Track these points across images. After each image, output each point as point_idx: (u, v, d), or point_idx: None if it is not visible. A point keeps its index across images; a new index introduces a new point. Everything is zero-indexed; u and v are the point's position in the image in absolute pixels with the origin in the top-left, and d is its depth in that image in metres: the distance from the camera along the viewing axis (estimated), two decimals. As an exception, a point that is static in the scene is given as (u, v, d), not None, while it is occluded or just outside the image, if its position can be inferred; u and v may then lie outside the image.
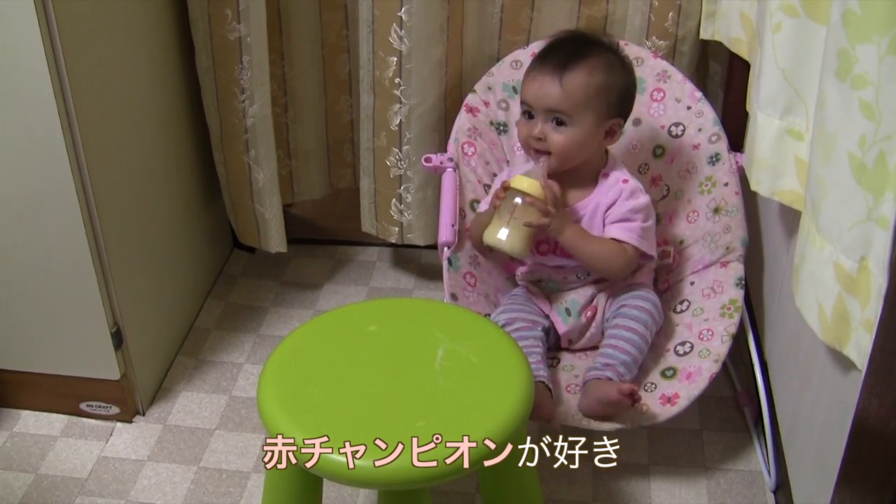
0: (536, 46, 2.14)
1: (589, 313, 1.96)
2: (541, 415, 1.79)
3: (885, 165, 1.19)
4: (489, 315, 1.95)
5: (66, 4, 1.68)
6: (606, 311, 1.96)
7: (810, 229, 1.38)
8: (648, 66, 2.12)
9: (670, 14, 2.13)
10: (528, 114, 1.88)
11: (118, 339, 1.98)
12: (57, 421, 2.10)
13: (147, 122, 2.07)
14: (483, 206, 2.01)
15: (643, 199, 1.90)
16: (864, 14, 1.19)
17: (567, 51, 1.86)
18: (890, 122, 1.17)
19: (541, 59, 1.88)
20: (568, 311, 1.96)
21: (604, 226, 1.91)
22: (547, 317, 1.96)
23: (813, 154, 1.39)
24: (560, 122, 1.84)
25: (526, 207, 1.81)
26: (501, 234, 1.82)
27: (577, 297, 1.97)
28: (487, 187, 2.08)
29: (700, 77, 2.27)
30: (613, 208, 1.90)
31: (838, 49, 1.25)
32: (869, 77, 1.19)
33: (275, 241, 2.37)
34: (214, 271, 2.53)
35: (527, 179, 1.81)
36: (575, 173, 1.90)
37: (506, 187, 1.84)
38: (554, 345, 1.99)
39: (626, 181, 1.91)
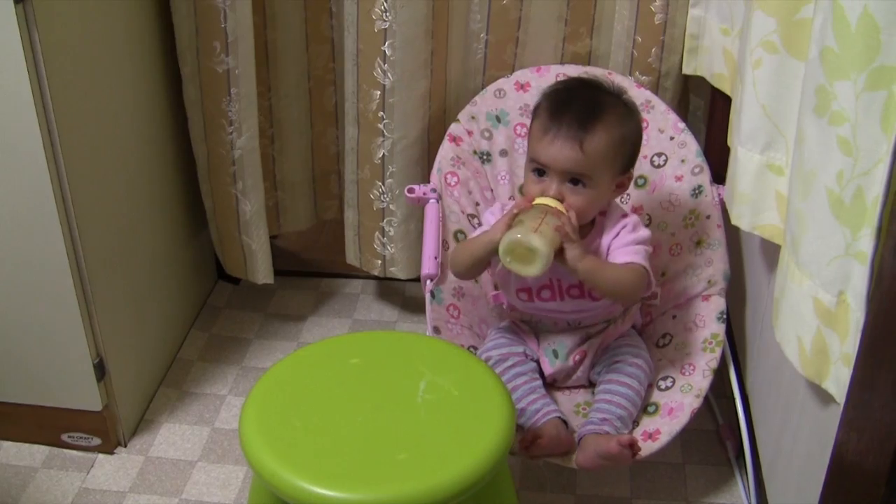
0: (521, 76, 2.17)
1: (577, 357, 1.94)
2: (563, 450, 1.79)
3: (862, 201, 1.20)
4: (473, 347, 1.95)
5: (52, 34, 1.69)
6: (595, 360, 1.94)
7: (790, 264, 1.39)
8: (632, 96, 2.13)
9: (653, 50, 2.15)
10: (539, 171, 1.81)
11: (101, 370, 1.98)
12: (38, 452, 2.09)
13: (133, 153, 2.08)
14: (476, 233, 1.95)
15: (644, 232, 1.88)
16: (842, 51, 1.20)
17: (583, 109, 1.80)
18: (867, 159, 1.18)
19: (555, 119, 1.79)
20: (556, 353, 1.94)
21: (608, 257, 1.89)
22: (535, 354, 1.96)
23: (792, 189, 1.40)
24: (576, 182, 1.79)
25: (554, 218, 1.74)
26: (531, 236, 1.68)
27: (566, 339, 1.94)
28: (471, 217, 2.09)
29: (683, 112, 2.29)
30: (617, 240, 1.87)
31: (816, 86, 1.27)
32: (846, 114, 1.21)
33: (262, 272, 2.38)
34: (198, 303, 2.53)
35: (553, 200, 1.77)
36: None
37: (533, 203, 1.78)
38: (539, 381, 1.99)
39: (625, 216, 1.90)
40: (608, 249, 1.87)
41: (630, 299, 1.92)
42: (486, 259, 1.86)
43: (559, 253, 1.74)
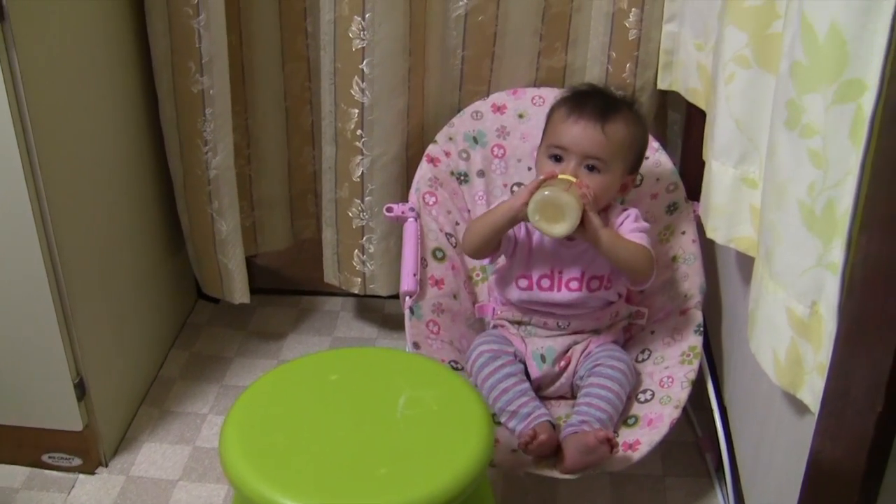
0: (497, 98, 2.19)
1: (563, 363, 1.97)
2: (553, 452, 1.82)
3: (833, 212, 1.22)
4: (454, 362, 1.95)
5: (30, 54, 1.70)
6: (579, 366, 1.96)
7: (764, 275, 1.41)
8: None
9: (628, 65, 2.17)
10: (556, 157, 1.89)
11: (81, 389, 1.98)
12: (19, 473, 2.08)
13: (111, 172, 2.08)
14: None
15: (645, 223, 1.95)
16: (811, 65, 1.22)
17: (604, 101, 1.91)
18: (837, 170, 1.20)
19: (577, 106, 1.90)
20: (543, 358, 1.96)
21: None
22: (522, 357, 1.97)
23: (765, 201, 1.42)
24: (593, 168, 1.87)
25: (578, 192, 1.81)
26: (563, 194, 1.77)
27: (554, 344, 1.97)
28: (449, 236, 2.10)
29: (659, 126, 2.31)
30: (622, 227, 1.94)
31: (787, 99, 1.28)
32: (816, 126, 1.22)
33: (238, 291, 2.38)
34: (179, 321, 2.53)
35: (571, 177, 1.85)
36: None
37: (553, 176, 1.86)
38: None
39: (626, 209, 1.97)
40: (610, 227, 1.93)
41: (640, 276, 1.93)
42: (507, 228, 1.91)
43: (581, 223, 1.80)
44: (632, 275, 1.93)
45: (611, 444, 1.76)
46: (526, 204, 1.80)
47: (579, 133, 1.87)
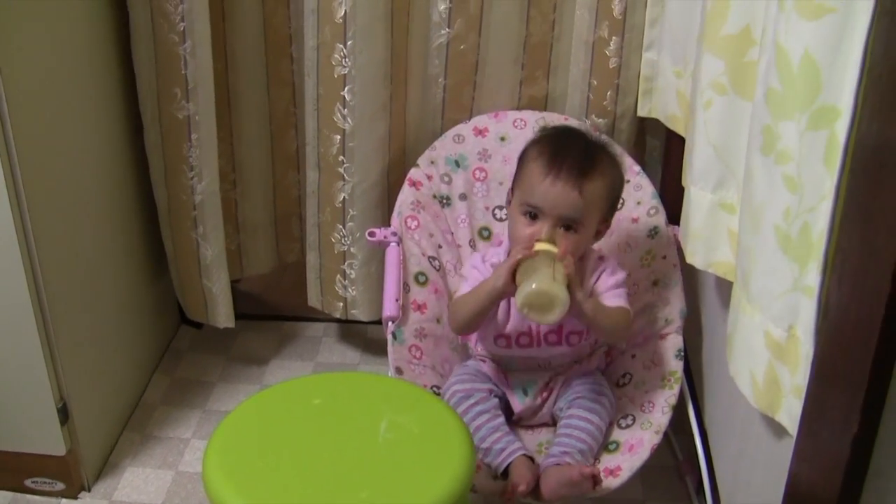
0: (479, 121, 2.20)
1: (545, 394, 1.97)
2: (533, 487, 1.79)
3: (808, 236, 1.24)
4: (436, 387, 1.96)
5: (15, 81, 1.71)
6: (559, 396, 1.97)
7: (741, 299, 1.42)
8: (591, 140, 2.18)
9: (608, 93, 2.19)
10: (531, 214, 1.83)
11: (64, 414, 1.98)
12: (1, 498, 2.08)
13: (95, 198, 2.09)
14: (465, 288, 1.93)
15: (622, 274, 1.93)
16: (785, 92, 1.24)
17: (581, 154, 1.84)
18: (812, 195, 1.22)
19: (555, 164, 1.82)
20: (525, 392, 1.97)
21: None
22: (501, 391, 1.98)
23: (742, 226, 1.44)
24: (568, 227, 1.82)
25: (560, 265, 1.75)
26: (553, 286, 1.69)
27: (535, 378, 1.97)
28: (432, 259, 2.11)
29: (639, 153, 2.33)
30: (600, 283, 1.91)
31: (762, 125, 1.30)
32: (791, 152, 1.24)
33: (222, 316, 2.38)
34: (161, 346, 2.54)
35: (550, 245, 1.78)
36: None
37: (535, 250, 1.77)
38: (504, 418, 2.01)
39: (601, 258, 1.94)
40: (590, 293, 1.90)
41: (619, 339, 1.96)
42: (492, 308, 1.87)
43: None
44: (606, 338, 1.94)
45: (595, 480, 1.76)
46: (508, 282, 1.76)
47: (556, 196, 1.80)
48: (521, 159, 1.91)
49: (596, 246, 2.10)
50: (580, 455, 1.83)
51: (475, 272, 1.93)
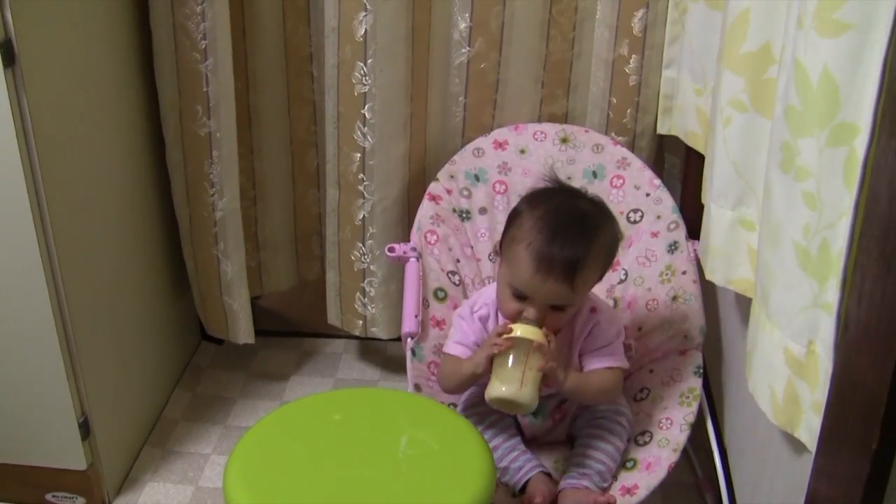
0: (498, 134, 2.21)
1: (558, 416, 1.96)
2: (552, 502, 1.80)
3: (828, 253, 1.24)
4: (454, 404, 1.97)
5: (40, 98, 1.73)
6: (575, 415, 1.95)
7: (760, 315, 1.42)
8: (608, 153, 2.18)
9: (628, 110, 2.20)
10: (519, 296, 1.78)
11: (86, 429, 1.99)
12: (23, 512, 2.10)
13: (118, 214, 2.10)
14: (455, 350, 1.91)
15: (617, 326, 1.90)
16: (805, 109, 1.24)
17: (574, 246, 1.74)
18: (831, 212, 1.22)
19: (545, 260, 1.73)
20: (535, 415, 1.95)
21: (579, 356, 1.89)
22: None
23: (761, 243, 1.44)
24: (559, 308, 1.80)
25: (535, 356, 1.73)
26: (517, 392, 1.71)
27: (546, 402, 1.94)
28: (451, 275, 2.11)
29: (658, 171, 2.32)
30: (590, 339, 1.88)
31: (782, 142, 1.31)
32: (810, 169, 1.25)
33: (243, 332, 2.40)
34: (182, 362, 2.55)
35: (531, 328, 1.73)
36: None
37: (508, 336, 1.74)
38: (518, 436, 2.01)
39: (594, 310, 1.89)
40: (580, 348, 1.89)
41: (608, 401, 1.92)
42: (475, 382, 1.86)
43: (543, 380, 1.76)
44: (596, 404, 1.91)
45: None
46: (486, 368, 1.76)
47: (547, 290, 1.74)
48: (511, 226, 1.83)
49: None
50: (598, 476, 1.82)
51: (463, 324, 1.91)
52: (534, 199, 1.85)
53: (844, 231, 1.20)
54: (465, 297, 2.12)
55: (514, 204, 2.11)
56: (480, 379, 1.81)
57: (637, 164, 2.17)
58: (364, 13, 2.04)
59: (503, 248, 1.84)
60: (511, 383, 1.72)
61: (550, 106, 2.27)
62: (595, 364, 1.87)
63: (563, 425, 1.96)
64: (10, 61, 1.66)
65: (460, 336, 1.91)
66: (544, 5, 2.16)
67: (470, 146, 2.22)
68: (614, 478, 1.87)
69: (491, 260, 2.17)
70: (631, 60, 2.15)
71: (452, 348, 1.91)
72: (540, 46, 2.21)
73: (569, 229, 1.76)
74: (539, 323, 1.76)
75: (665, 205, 2.13)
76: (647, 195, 2.14)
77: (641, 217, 2.13)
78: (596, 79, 2.23)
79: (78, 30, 1.89)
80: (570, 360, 1.88)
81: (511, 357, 1.74)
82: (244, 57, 2.25)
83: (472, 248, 2.18)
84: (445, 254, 2.13)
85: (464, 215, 2.19)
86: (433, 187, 2.18)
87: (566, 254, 1.73)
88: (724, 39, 1.64)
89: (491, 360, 1.76)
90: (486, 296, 1.93)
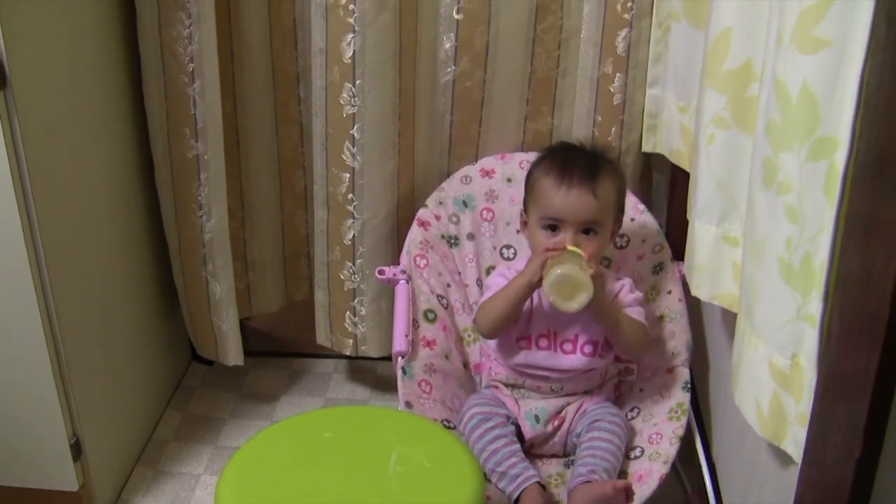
0: (486, 163, 2.23)
1: (556, 423, 1.99)
2: None
3: (810, 266, 1.25)
4: (446, 421, 1.98)
5: (31, 119, 1.74)
6: (574, 424, 1.99)
7: (746, 329, 1.44)
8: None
9: (613, 128, 2.21)
10: (551, 227, 1.92)
11: (77, 450, 1.99)
12: (14, 534, 2.10)
13: (108, 236, 2.11)
14: (498, 281, 2.00)
15: (639, 293, 2.01)
16: (785, 124, 1.26)
17: (587, 162, 1.95)
18: (813, 225, 1.24)
19: (566, 174, 1.92)
20: (537, 419, 1.99)
21: None
22: (514, 417, 2.00)
23: (745, 257, 1.45)
24: (587, 232, 1.90)
25: (586, 264, 1.83)
26: (580, 273, 1.80)
27: (547, 405, 2.00)
28: (440, 297, 2.13)
29: (644, 188, 2.35)
30: (619, 299, 1.98)
31: (763, 157, 1.32)
32: (792, 183, 1.26)
33: (232, 353, 2.40)
34: (173, 383, 2.55)
35: (577, 248, 1.87)
36: None
37: (562, 248, 1.87)
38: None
39: (620, 278, 2.02)
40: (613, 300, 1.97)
41: (636, 350, 2.00)
42: (524, 302, 1.94)
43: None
44: (626, 348, 1.98)
45: (628, 494, 1.78)
46: (539, 275, 1.85)
47: (574, 202, 1.90)
48: (529, 180, 2.02)
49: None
50: (605, 473, 1.85)
51: (501, 279, 1.99)
52: (542, 152, 2.08)
53: (826, 244, 1.22)
54: (454, 320, 2.14)
55: (501, 231, 2.17)
56: (531, 292, 1.92)
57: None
58: (352, 35, 2.06)
59: (527, 203, 1.99)
60: (572, 266, 1.81)
61: (536, 123, 2.28)
62: (629, 313, 1.96)
63: (561, 434, 1.99)
64: (2, 84, 1.67)
65: (497, 288, 1.98)
66: (529, 24, 2.18)
67: (458, 173, 2.24)
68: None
69: (479, 286, 2.20)
70: (615, 79, 2.17)
71: (495, 281, 2.01)
72: (525, 64, 2.22)
73: (580, 154, 2.00)
74: (575, 245, 1.88)
75: (649, 229, 2.16)
76: (632, 220, 2.16)
77: (628, 242, 2.16)
78: (581, 97, 2.25)
79: (69, 52, 1.90)
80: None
81: (564, 255, 1.85)
82: (232, 79, 2.26)
83: (460, 274, 2.20)
84: (435, 278, 2.15)
85: (452, 241, 2.21)
86: (422, 213, 2.20)
87: (582, 165, 1.93)
88: (707, 57, 1.66)
89: (542, 271, 1.85)
90: (519, 263, 2.02)
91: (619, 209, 1.99)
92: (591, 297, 1.81)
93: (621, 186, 1.98)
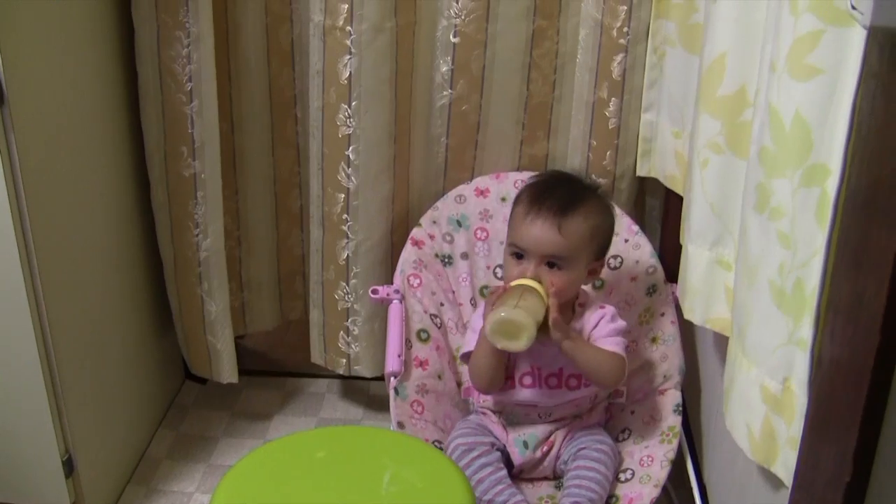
0: (480, 182, 2.23)
1: (545, 448, 1.99)
2: None
3: (802, 291, 1.27)
4: (438, 441, 1.98)
5: (28, 137, 1.74)
6: (562, 450, 1.98)
7: (737, 353, 1.45)
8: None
9: (608, 153, 2.22)
10: (518, 255, 1.89)
11: (69, 466, 1.99)
12: (6, 551, 2.10)
13: (103, 255, 2.12)
14: (470, 336, 1.99)
15: (622, 322, 1.96)
16: (778, 151, 1.27)
17: (562, 195, 1.90)
18: (805, 251, 1.25)
19: (535, 204, 1.89)
20: (525, 444, 1.98)
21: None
22: (502, 444, 2.00)
23: (738, 282, 1.46)
24: (552, 265, 1.87)
25: (532, 297, 1.81)
26: (510, 312, 1.76)
27: (536, 431, 1.99)
28: (434, 317, 2.14)
29: (638, 212, 2.36)
30: (598, 328, 1.94)
31: (756, 183, 1.34)
32: (784, 209, 1.28)
33: (226, 372, 2.40)
34: (166, 401, 2.55)
35: (528, 280, 1.84)
36: None
37: (510, 285, 1.85)
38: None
39: (603, 307, 1.98)
40: (589, 339, 1.94)
41: (606, 383, 1.95)
42: (498, 355, 1.90)
43: (544, 328, 1.81)
44: (595, 379, 1.93)
45: None
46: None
47: (536, 234, 1.87)
48: (512, 208, 1.98)
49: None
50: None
51: (480, 321, 1.96)
52: (533, 177, 2.06)
53: (817, 269, 1.23)
54: (448, 340, 2.15)
55: (495, 251, 2.17)
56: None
57: (615, 211, 2.19)
58: (349, 56, 2.07)
59: (508, 230, 1.97)
60: (505, 307, 1.77)
61: (531, 147, 2.29)
62: (600, 345, 1.93)
63: (550, 459, 1.99)
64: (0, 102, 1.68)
65: (473, 328, 1.98)
66: (525, 49, 2.20)
67: (452, 192, 2.25)
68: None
69: (473, 305, 2.20)
70: (611, 104, 2.18)
71: (469, 338, 1.99)
72: (521, 89, 2.24)
73: (561, 186, 1.96)
74: (536, 278, 1.86)
75: (643, 250, 2.17)
76: (626, 241, 2.17)
77: (621, 263, 2.17)
78: (576, 122, 2.26)
79: (67, 71, 1.91)
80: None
81: (507, 294, 1.82)
82: (229, 99, 2.27)
83: (453, 293, 2.20)
84: (428, 297, 2.15)
85: (446, 260, 2.21)
86: (416, 232, 2.21)
87: (555, 198, 1.89)
88: (701, 83, 1.67)
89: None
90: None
91: (599, 246, 1.94)
92: (532, 334, 1.77)
93: (600, 224, 1.93)
